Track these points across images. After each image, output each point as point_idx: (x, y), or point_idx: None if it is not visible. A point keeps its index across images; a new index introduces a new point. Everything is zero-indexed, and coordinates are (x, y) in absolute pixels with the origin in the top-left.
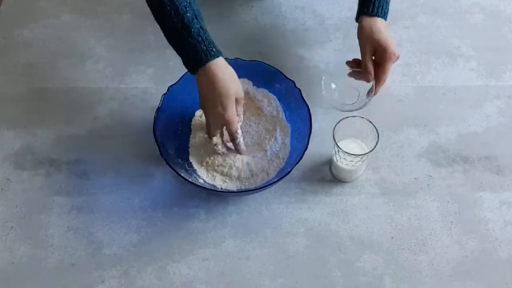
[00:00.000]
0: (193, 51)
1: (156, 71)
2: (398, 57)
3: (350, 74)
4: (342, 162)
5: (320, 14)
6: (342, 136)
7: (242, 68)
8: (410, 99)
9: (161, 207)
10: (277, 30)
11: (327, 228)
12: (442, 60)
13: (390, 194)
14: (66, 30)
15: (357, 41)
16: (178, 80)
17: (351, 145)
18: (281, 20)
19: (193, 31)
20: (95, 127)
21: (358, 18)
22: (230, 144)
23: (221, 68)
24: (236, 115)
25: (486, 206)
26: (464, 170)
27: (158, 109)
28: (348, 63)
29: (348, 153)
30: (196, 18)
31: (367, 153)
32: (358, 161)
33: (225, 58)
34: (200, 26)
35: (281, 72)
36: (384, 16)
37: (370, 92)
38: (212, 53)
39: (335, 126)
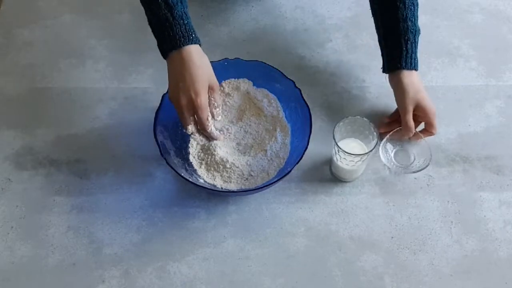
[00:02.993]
0: (172, 32)
1: (156, 71)
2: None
3: (393, 135)
4: (342, 162)
5: (320, 14)
6: (342, 136)
7: (242, 68)
8: None
9: (161, 207)
10: (277, 30)
11: (327, 228)
12: (442, 60)
13: (390, 194)
14: (66, 30)
15: (359, 42)
16: None
17: (351, 145)
18: (281, 20)
19: (176, 13)
20: (95, 127)
21: (391, 69)
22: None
23: (198, 54)
24: (207, 102)
25: (486, 206)
26: (464, 170)
27: (158, 109)
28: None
29: (348, 153)
30: (181, 3)
31: (367, 153)
32: (358, 161)
33: (225, 58)
34: (184, 11)
35: (281, 72)
36: (417, 68)
37: (424, 154)
38: (191, 37)
39: (335, 126)
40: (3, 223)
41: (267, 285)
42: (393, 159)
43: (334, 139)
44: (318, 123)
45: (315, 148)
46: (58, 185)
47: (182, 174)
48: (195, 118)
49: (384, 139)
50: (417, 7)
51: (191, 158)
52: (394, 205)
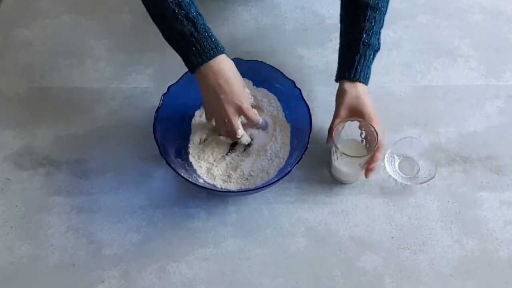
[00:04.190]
0: (200, 46)
1: (156, 71)
2: (380, 144)
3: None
4: (340, 164)
5: (320, 14)
6: (342, 138)
7: (242, 68)
8: (410, 98)
9: (161, 207)
10: (277, 30)
11: (327, 228)
12: (442, 60)
13: (390, 194)
14: (66, 30)
15: None
16: (178, 80)
17: (350, 147)
18: (281, 20)
19: (199, 26)
20: (95, 127)
21: (337, 79)
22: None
23: (228, 62)
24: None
25: (486, 206)
26: (464, 169)
27: (158, 109)
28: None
29: (347, 155)
30: (200, 15)
31: (365, 155)
32: (356, 162)
33: None
34: (204, 23)
35: (281, 72)
36: (365, 81)
37: (429, 164)
38: (219, 48)
39: (334, 128)
40: (2, 223)
41: (267, 285)
42: (398, 170)
43: (333, 140)
44: (318, 123)
45: (315, 148)
46: (58, 185)
47: (182, 174)
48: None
49: (389, 150)
50: (380, 23)
51: (190, 158)
52: (394, 205)
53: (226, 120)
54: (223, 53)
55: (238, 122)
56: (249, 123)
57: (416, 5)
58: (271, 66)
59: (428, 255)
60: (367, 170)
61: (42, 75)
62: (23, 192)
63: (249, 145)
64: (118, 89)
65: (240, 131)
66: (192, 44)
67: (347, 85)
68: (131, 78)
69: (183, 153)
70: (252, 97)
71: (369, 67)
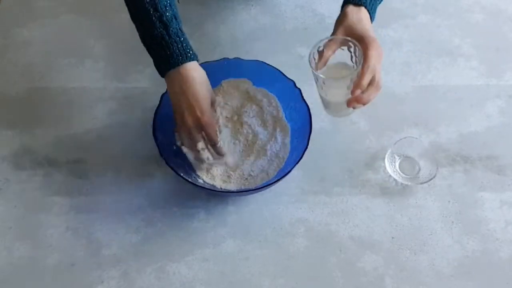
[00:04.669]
0: (169, 51)
1: (155, 71)
2: (382, 54)
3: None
4: (327, 94)
5: (320, 13)
6: (329, 63)
7: (242, 68)
8: (411, 98)
9: (161, 207)
10: (277, 29)
11: (327, 228)
12: (443, 60)
13: (390, 194)
14: (65, 29)
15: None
16: None
17: (336, 70)
18: (281, 20)
19: (171, 31)
20: (94, 127)
21: (342, 5)
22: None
23: (197, 70)
24: (213, 118)
25: (487, 206)
26: (465, 170)
27: (157, 108)
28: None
29: (328, 77)
30: (175, 19)
31: (347, 76)
32: (342, 87)
33: (225, 58)
34: (179, 27)
35: (281, 72)
36: (371, 10)
37: (430, 163)
38: (189, 54)
39: (310, 51)
40: (1, 223)
41: (267, 286)
42: (398, 170)
43: (314, 73)
44: (318, 123)
45: (315, 148)
46: (57, 185)
47: (182, 174)
48: (202, 135)
49: (389, 150)
50: None
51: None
52: (394, 205)
53: (183, 131)
54: (194, 60)
55: (195, 134)
56: (208, 139)
57: (416, 4)
58: (271, 66)
59: (428, 256)
60: (350, 100)
61: (41, 75)
62: (22, 192)
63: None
64: (117, 89)
65: (200, 144)
66: (162, 48)
67: (351, 9)
68: (130, 78)
69: (182, 153)
70: (219, 117)
71: (376, 1)
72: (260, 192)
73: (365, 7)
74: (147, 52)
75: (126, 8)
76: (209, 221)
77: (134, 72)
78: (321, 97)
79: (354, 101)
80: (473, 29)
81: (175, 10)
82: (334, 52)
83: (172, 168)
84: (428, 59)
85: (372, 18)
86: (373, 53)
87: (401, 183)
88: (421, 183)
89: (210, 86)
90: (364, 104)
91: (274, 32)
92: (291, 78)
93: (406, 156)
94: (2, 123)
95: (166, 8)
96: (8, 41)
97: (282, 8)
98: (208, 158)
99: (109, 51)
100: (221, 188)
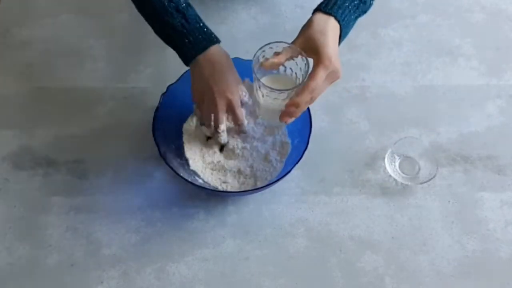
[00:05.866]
0: (193, 37)
1: (155, 71)
2: (338, 76)
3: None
4: (267, 100)
5: None
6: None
7: (242, 68)
8: (411, 98)
9: (161, 207)
10: (276, 29)
11: (327, 228)
12: (443, 59)
13: (390, 194)
14: (65, 29)
15: (359, 41)
16: (177, 80)
17: (279, 80)
18: (281, 19)
19: (190, 18)
20: (94, 127)
21: (313, 12)
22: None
23: (223, 53)
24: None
25: (487, 206)
26: (465, 169)
27: (157, 108)
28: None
29: (271, 88)
30: (190, 6)
31: (295, 87)
32: (280, 99)
33: None
34: (195, 13)
35: None
36: (343, 22)
37: (430, 163)
38: (211, 37)
39: (255, 53)
40: (1, 223)
41: (267, 286)
42: (398, 170)
43: (255, 72)
44: (318, 123)
45: (315, 148)
46: (57, 186)
47: (181, 174)
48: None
49: (390, 150)
50: None
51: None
52: (394, 205)
53: (213, 113)
54: (217, 43)
55: (223, 117)
56: (234, 121)
57: (416, 4)
58: None
59: (428, 256)
60: (283, 114)
61: (40, 75)
62: (21, 192)
63: (223, 146)
64: (117, 89)
65: (223, 126)
66: (185, 36)
67: (318, 17)
68: (130, 78)
69: (182, 153)
70: (246, 94)
71: (350, 11)
72: (260, 192)
73: (335, 18)
74: (146, 52)
75: (126, 8)
76: (209, 221)
77: (134, 72)
78: (256, 98)
79: (286, 116)
80: (473, 29)
81: None
82: (285, 61)
83: (171, 168)
84: (428, 59)
85: (343, 31)
86: (320, 73)
87: (401, 183)
88: (421, 183)
89: (234, 67)
90: (295, 117)
91: (274, 32)
92: None
93: (406, 156)
94: (2, 123)
95: None
96: (7, 41)
97: (282, 8)
98: (224, 141)
99: (108, 51)
100: (221, 188)
